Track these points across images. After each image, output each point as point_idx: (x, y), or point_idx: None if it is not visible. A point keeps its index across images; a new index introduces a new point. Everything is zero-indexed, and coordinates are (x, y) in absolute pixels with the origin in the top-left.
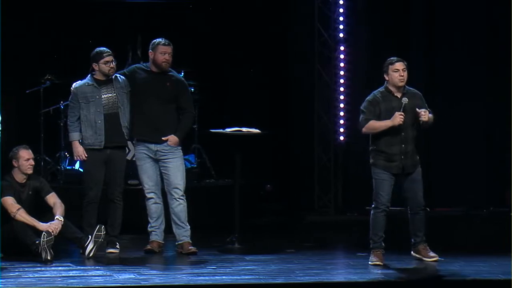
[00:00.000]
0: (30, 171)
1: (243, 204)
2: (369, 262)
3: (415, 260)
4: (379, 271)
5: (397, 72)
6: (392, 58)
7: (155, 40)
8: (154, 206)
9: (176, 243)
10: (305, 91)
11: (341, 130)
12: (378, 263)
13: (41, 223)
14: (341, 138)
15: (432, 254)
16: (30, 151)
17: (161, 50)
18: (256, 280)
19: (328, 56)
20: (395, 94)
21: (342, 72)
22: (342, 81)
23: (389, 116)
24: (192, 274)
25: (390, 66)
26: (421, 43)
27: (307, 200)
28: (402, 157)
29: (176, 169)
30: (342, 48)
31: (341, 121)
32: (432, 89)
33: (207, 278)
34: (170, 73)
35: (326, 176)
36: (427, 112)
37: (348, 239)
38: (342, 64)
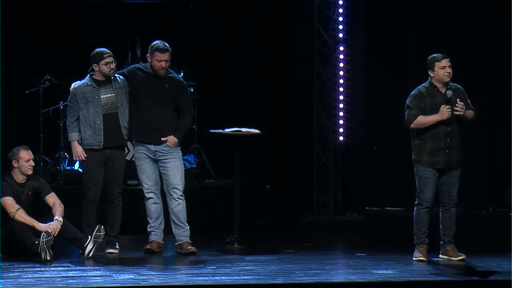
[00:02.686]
0: (30, 172)
1: (243, 204)
2: (413, 258)
3: (414, 260)
4: (379, 271)
5: (444, 69)
6: (437, 55)
7: (153, 44)
8: (153, 206)
9: (176, 243)
10: (304, 91)
11: (340, 130)
12: (422, 258)
13: (40, 224)
14: (340, 138)
15: (460, 254)
16: (30, 151)
17: (158, 58)
18: (255, 280)
19: (328, 56)
20: (440, 90)
21: (341, 72)
22: (341, 81)
23: (433, 111)
24: (191, 274)
25: (436, 63)
26: (420, 44)
27: (306, 200)
28: (447, 151)
29: (175, 169)
30: (341, 48)
31: (340, 121)
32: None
33: (206, 278)
34: (170, 74)
35: (325, 176)
36: (463, 106)
37: (347, 239)
38: (341, 64)
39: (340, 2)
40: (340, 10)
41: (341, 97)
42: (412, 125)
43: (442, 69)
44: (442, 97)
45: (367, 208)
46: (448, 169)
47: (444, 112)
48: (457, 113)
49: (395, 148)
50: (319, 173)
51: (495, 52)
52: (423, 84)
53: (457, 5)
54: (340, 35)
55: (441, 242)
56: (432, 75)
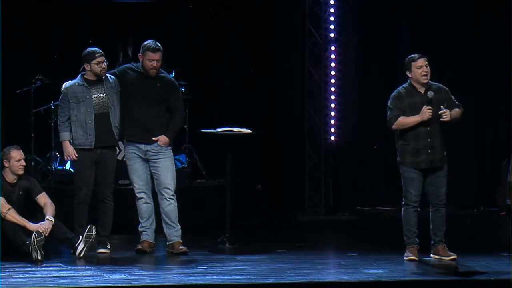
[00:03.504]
0: (21, 172)
1: (234, 204)
2: (404, 258)
3: (405, 260)
4: (370, 271)
5: (421, 68)
6: (413, 55)
7: (144, 44)
8: (144, 206)
9: (167, 243)
10: (295, 91)
11: (332, 130)
12: (413, 258)
13: (31, 223)
14: (332, 138)
15: (451, 253)
16: (21, 151)
17: (149, 57)
18: (247, 280)
19: (319, 56)
20: (419, 90)
21: (332, 72)
22: (332, 81)
23: (412, 111)
24: (183, 274)
25: (413, 63)
26: (411, 44)
27: (298, 200)
28: (429, 151)
29: (166, 169)
30: (333, 48)
31: (332, 121)
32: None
33: (198, 278)
34: (161, 74)
35: (316, 176)
36: (448, 112)
37: (339, 239)
38: (333, 64)
39: (332, 2)
40: (332, 10)
41: (333, 97)
42: (393, 126)
43: (418, 69)
44: (420, 97)
45: (358, 207)
46: (432, 169)
47: (425, 112)
48: (444, 119)
49: (386, 148)
50: (310, 173)
51: (486, 52)
52: (402, 85)
53: (448, 4)
54: (332, 35)
55: (432, 242)
56: (410, 76)
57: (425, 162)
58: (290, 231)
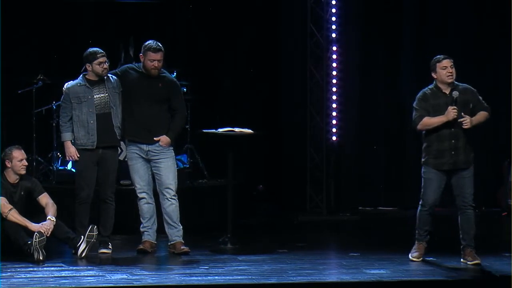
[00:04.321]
0: (23, 172)
1: (236, 204)
2: (409, 255)
3: (408, 260)
4: (372, 271)
5: (445, 69)
6: (438, 56)
7: (146, 44)
8: (146, 206)
9: (169, 243)
10: (297, 91)
11: (333, 130)
12: (415, 258)
13: (33, 224)
14: (333, 138)
15: (476, 258)
16: (23, 151)
17: (150, 57)
18: (248, 280)
19: (321, 56)
20: (444, 91)
21: (334, 72)
22: (334, 81)
23: (437, 112)
24: (184, 274)
25: (437, 64)
26: (414, 43)
27: (299, 200)
28: (453, 152)
29: (168, 169)
30: (334, 48)
31: (333, 121)
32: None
33: (199, 278)
34: (162, 74)
35: (318, 176)
36: (469, 119)
37: (340, 239)
38: (334, 64)
39: (333, 2)
40: (333, 10)
41: (334, 97)
42: (418, 127)
43: (443, 70)
44: (445, 98)
45: (360, 208)
46: (455, 171)
47: (450, 112)
48: (465, 127)
49: (388, 147)
50: (312, 173)
51: (489, 51)
52: (428, 86)
53: (451, 4)
54: (333, 35)
55: (461, 246)
56: (435, 77)
57: (448, 164)
58: (291, 231)
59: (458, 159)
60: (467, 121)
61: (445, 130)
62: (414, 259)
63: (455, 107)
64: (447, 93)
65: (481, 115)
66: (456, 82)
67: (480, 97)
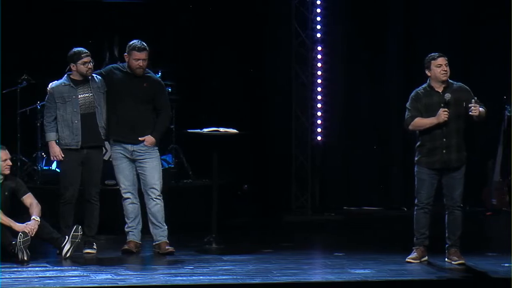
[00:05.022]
0: (7, 172)
1: (221, 204)
2: (406, 258)
3: (393, 260)
4: (357, 271)
5: (440, 67)
6: (433, 53)
7: (130, 43)
8: (130, 206)
9: (153, 243)
10: (282, 91)
11: (319, 130)
12: (412, 260)
13: (17, 224)
14: (319, 138)
15: (461, 258)
16: (7, 151)
17: (135, 57)
18: (233, 280)
19: (306, 56)
20: (437, 89)
21: (319, 72)
22: (319, 81)
23: (429, 110)
24: (169, 274)
25: (432, 62)
26: (398, 44)
27: (285, 200)
28: (444, 151)
29: (153, 169)
30: (319, 48)
31: (318, 121)
32: (409, 89)
33: (184, 278)
34: (147, 74)
35: (303, 176)
36: (478, 107)
37: (325, 239)
38: (319, 64)
39: (318, 2)
40: (318, 10)
41: (319, 97)
42: (410, 127)
43: (438, 67)
44: (438, 97)
45: (345, 207)
46: (447, 170)
47: (441, 115)
48: (473, 113)
49: (373, 147)
50: (297, 173)
51: (476, 51)
52: (422, 85)
53: (437, 4)
54: (318, 35)
55: (446, 245)
56: (429, 75)
57: (439, 162)
58: (276, 231)
59: (450, 157)
60: (476, 108)
61: (437, 129)
62: (410, 260)
63: (446, 109)
64: (440, 91)
65: (482, 111)
66: (450, 81)
67: (475, 97)
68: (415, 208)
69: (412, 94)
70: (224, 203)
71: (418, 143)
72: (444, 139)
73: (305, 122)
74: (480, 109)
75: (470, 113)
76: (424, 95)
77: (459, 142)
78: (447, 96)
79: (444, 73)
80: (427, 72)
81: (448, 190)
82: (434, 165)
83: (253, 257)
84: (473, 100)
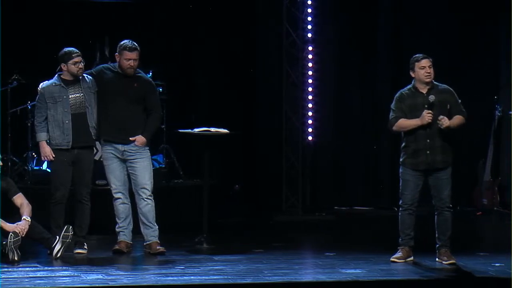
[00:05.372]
0: None
1: (212, 204)
2: (391, 258)
3: (384, 260)
4: (347, 271)
5: (424, 69)
6: (418, 55)
7: (121, 43)
8: (121, 206)
9: (144, 243)
10: (273, 91)
11: (309, 130)
12: (396, 260)
13: (8, 224)
14: (309, 138)
15: (451, 258)
16: None
17: (126, 57)
18: (224, 280)
19: (296, 56)
20: (421, 91)
21: (310, 72)
22: (310, 81)
23: (413, 112)
24: (160, 274)
25: (416, 63)
26: (389, 43)
27: (275, 200)
28: (428, 152)
29: (144, 169)
30: (310, 48)
31: (309, 121)
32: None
33: (175, 278)
34: (138, 74)
35: (294, 176)
36: (446, 120)
37: (316, 239)
38: (310, 64)
39: (309, 2)
40: (309, 10)
41: (310, 97)
42: (393, 128)
43: (421, 69)
44: (422, 98)
45: (335, 207)
46: (432, 171)
47: (424, 117)
48: (441, 127)
49: (363, 147)
50: (288, 173)
51: (466, 52)
52: (407, 86)
53: (427, 4)
54: (309, 35)
55: (436, 246)
56: (413, 76)
57: (424, 163)
58: (267, 231)
59: (434, 158)
60: (444, 122)
61: (421, 130)
62: (395, 260)
63: (430, 111)
64: (425, 93)
65: (457, 119)
66: (435, 82)
67: (459, 100)
68: (400, 209)
69: (397, 95)
70: (215, 203)
71: (403, 144)
72: (428, 140)
73: (296, 122)
74: (453, 121)
75: (439, 127)
76: (408, 96)
77: (444, 143)
78: (431, 97)
79: (427, 75)
80: (411, 73)
81: (435, 191)
82: (418, 166)
83: (244, 257)
84: (440, 117)
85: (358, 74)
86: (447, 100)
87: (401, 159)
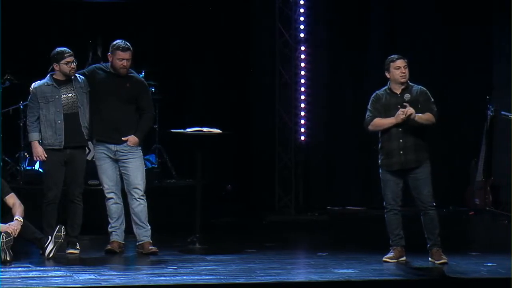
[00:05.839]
0: None
1: (204, 204)
2: (383, 258)
3: (376, 259)
4: (340, 271)
5: (399, 69)
6: (393, 56)
7: (114, 43)
8: (114, 206)
9: (137, 243)
10: (266, 91)
11: (302, 130)
12: (388, 260)
13: (0, 224)
14: (302, 138)
15: (443, 257)
16: None
17: (119, 56)
18: (217, 280)
19: (289, 56)
20: (395, 91)
21: (303, 72)
22: (302, 81)
23: (387, 112)
24: (152, 274)
25: (391, 64)
26: (381, 43)
27: (268, 200)
28: (401, 152)
29: (136, 169)
30: (303, 48)
31: (302, 121)
32: None
33: (167, 278)
34: (130, 74)
35: (287, 176)
36: (409, 109)
37: (309, 239)
38: (302, 64)
39: (302, 2)
40: (302, 10)
41: (303, 97)
42: (369, 127)
43: (397, 70)
44: (395, 98)
45: (328, 207)
46: (407, 171)
47: (399, 115)
48: (407, 114)
49: (356, 147)
50: (280, 173)
51: (456, 52)
52: (382, 88)
53: (419, 4)
54: (302, 35)
55: (428, 246)
56: (388, 76)
57: (397, 164)
58: (260, 231)
59: (407, 158)
60: (408, 110)
61: (394, 129)
62: (387, 260)
63: (404, 110)
64: (398, 93)
65: (426, 115)
66: (410, 83)
67: (432, 99)
68: (385, 210)
69: (373, 95)
70: (207, 203)
71: (379, 145)
72: (401, 140)
73: (288, 122)
74: (421, 115)
75: (401, 117)
76: (383, 97)
77: (417, 142)
78: (407, 96)
79: (402, 75)
80: (386, 74)
81: (416, 192)
82: (392, 167)
83: (237, 257)
84: (405, 104)
85: (350, 74)
86: (419, 100)
87: (379, 161)
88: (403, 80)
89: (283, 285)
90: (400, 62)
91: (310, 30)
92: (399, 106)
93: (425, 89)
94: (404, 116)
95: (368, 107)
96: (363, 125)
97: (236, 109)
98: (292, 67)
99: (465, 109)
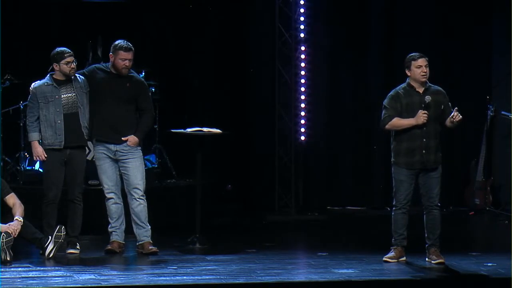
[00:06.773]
0: None
1: (204, 204)
2: (384, 257)
3: (376, 260)
4: (340, 271)
5: (420, 68)
6: (414, 54)
7: (116, 43)
8: (114, 206)
9: (137, 243)
10: (265, 91)
11: (302, 130)
12: (389, 259)
13: (0, 224)
14: (302, 138)
15: (440, 257)
16: None
17: (121, 56)
18: (217, 280)
19: (289, 56)
20: (417, 90)
21: (302, 72)
22: (302, 81)
23: (409, 111)
24: (152, 274)
25: (413, 62)
26: (381, 43)
27: (268, 200)
28: (424, 151)
29: (136, 169)
30: (302, 48)
31: (302, 121)
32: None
33: (168, 278)
34: (130, 74)
35: (286, 176)
36: (459, 114)
37: (309, 239)
38: (302, 64)
39: (302, 2)
40: (302, 10)
41: (303, 97)
42: (386, 126)
43: (418, 68)
44: (419, 97)
45: (328, 207)
46: (425, 170)
47: (420, 117)
48: (456, 119)
49: (356, 147)
50: (280, 173)
51: (456, 52)
52: (401, 85)
53: (419, 5)
54: (302, 35)
55: (426, 245)
56: (409, 74)
57: (419, 163)
58: (260, 231)
59: (428, 158)
60: (457, 115)
61: (416, 129)
62: (387, 260)
63: (425, 111)
64: (421, 92)
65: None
66: (428, 83)
67: (450, 103)
68: (393, 209)
69: (392, 93)
70: (207, 203)
71: (395, 144)
72: (424, 140)
73: (288, 122)
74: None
75: (453, 119)
76: (404, 95)
77: (437, 143)
78: (427, 98)
79: (424, 74)
80: (407, 71)
81: (425, 190)
82: (413, 166)
83: (237, 257)
84: (456, 108)
85: (350, 74)
86: (441, 101)
87: (393, 159)
88: (424, 80)
89: (283, 285)
90: (422, 61)
91: (310, 30)
92: (423, 106)
93: (442, 90)
94: (425, 119)
95: (386, 104)
96: (380, 124)
97: (236, 109)
98: (292, 67)
99: (465, 109)
